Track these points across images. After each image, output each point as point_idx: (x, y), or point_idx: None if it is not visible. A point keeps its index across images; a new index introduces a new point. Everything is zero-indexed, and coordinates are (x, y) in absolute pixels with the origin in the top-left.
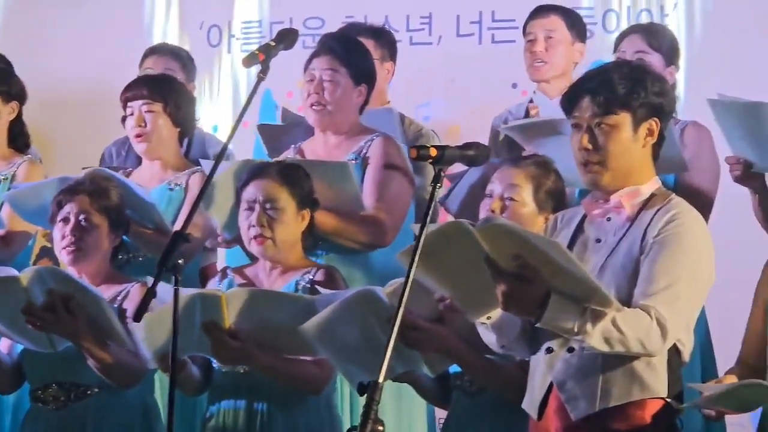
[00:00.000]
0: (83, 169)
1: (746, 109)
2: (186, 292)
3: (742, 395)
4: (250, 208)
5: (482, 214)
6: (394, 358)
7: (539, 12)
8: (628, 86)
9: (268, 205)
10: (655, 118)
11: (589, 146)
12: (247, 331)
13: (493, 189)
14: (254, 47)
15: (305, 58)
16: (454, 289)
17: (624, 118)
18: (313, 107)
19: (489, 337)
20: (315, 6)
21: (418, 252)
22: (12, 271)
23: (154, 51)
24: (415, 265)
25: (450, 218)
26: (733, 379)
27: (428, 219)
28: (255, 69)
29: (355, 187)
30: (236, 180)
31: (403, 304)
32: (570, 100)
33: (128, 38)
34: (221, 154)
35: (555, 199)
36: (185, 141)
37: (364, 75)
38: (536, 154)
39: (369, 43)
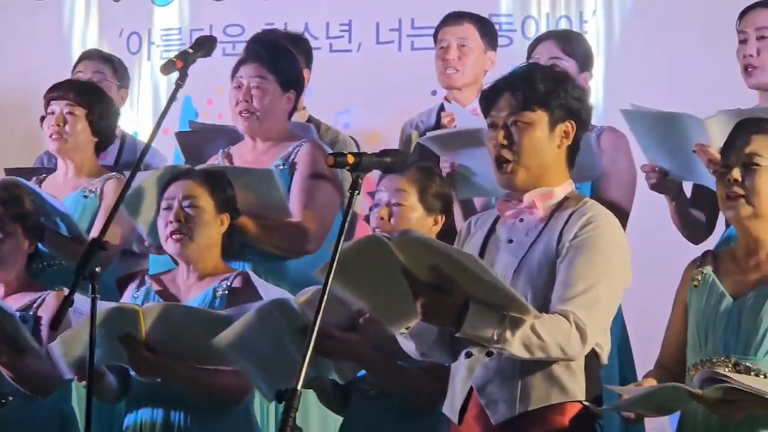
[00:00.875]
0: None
1: (660, 119)
2: (104, 305)
3: (660, 398)
4: (169, 207)
5: (372, 222)
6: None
7: (452, 19)
8: (548, 85)
9: (186, 203)
10: (572, 121)
11: (505, 142)
12: (164, 343)
13: (381, 197)
14: (174, 54)
15: (225, 65)
16: (373, 302)
17: (541, 117)
18: (242, 115)
19: (408, 346)
20: (235, 13)
21: (335, 264)
22: None
23: (86, 56)
24: (330, 279)
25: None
26: (652, 382)
27: (345, 226)
28: (174, 76)
29: (280, 193)
30: (159, 186)
31: (319, 318)
32: (489, 99)
33: (48, 45)
34: (139, 160)
35: (442, 201)
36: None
37: (292, 81)
38: (418, 160)
39: None
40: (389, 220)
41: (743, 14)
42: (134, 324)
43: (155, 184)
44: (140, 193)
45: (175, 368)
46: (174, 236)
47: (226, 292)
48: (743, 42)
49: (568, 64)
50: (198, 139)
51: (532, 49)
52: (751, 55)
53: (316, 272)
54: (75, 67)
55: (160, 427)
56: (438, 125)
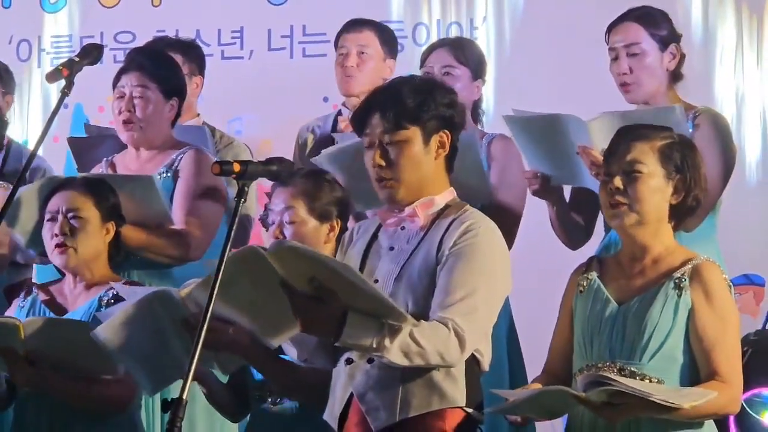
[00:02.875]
0: None
1: (542, 122)
2: None
3: (546, 401)
4: (53, 219)
5: (270, 238)
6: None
7: (352, 26)
8: (417, 99)
9: (70, 215)
10: (446, 130)
11: (382, 162)
12: (44, 355)
13: (273, 217)
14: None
15: (115, 72)
16: (253, 316)
17: (414, 133)
18: (125, 125)
19: (291, 352)
20: (126, 20)
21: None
22: None
23: None
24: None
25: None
26: (538, 387)
27: (232, 234)
28: (52, 83)
29: (161, 200)
30: (40, 196)
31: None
32: (360, 119)
33: None
34: (25, 168)
35: (335, 206)
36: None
37: (174, 89)
38: (304, 168)
39: (177, 57)
40: (284, 237)
41: (610, 29)
42: (14, 337)
43: (36, 195)
44: (18, 203)
45: (55, 380)
46: (59, 249)
47: (112, 300)
48: (615, 59)
49: (461, 72)
50: (90, 144)
51: (425, 57)
52: (624, 73)
53: (193, 289)
54: None
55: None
56: (335, 130)
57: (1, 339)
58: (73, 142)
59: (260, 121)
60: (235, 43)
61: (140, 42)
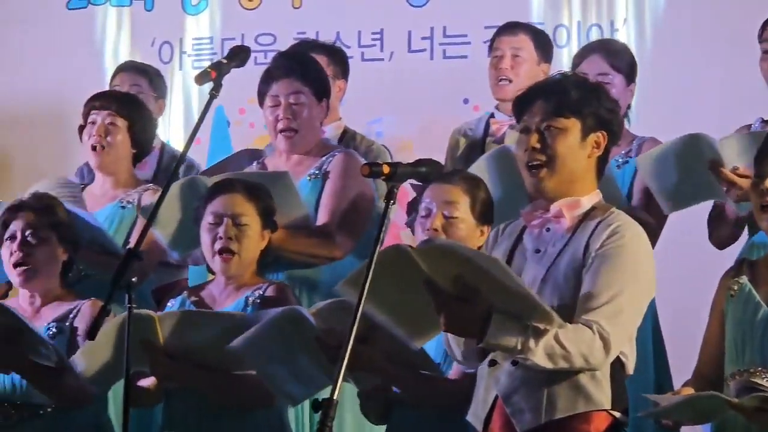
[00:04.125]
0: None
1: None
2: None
3: (698, 406)
4: (217, 222)
5: (419, 233)
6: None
7: (507, 29)
8: (580, 94)
9: (236, 220)
10: (604, 132)
11: (537, 145)
12: (184, 349)
13: (430, 207)
14: (206, 64)
15: (257, 74)
16: (397, 314)
17: (573, 124)
18: (284, 134)
19: (456, 350)
20: (266, 22)
21: (370, 273)
22: None
23: (122, 68)
24: (366, 288)
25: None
26: (689, 391)
27: (382, 236)
28: (207, 85)
29: (297, 194)
30: (183, 196)
31: (354, 331)
32: (522, 104)
33: (80, 55)
34: (175, 170)
35: (489, 211)
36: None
37: (324, 90)
38: (462, 169)
39: (322, 60)
40: (443, 232)
41: (766, 26)
42: (151, 330)
43: (177, 195)
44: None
45: (195, 374)
46: (224, 255)
47: (258, 300)
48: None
49: (617, 79)
50: (224, 170)
51: (577, 62)
52: None
53: (340, 285)
54: (112, 80)
55: (193, 427)
56: (486, 133)
57: (139, 332)
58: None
59: (400, 123)
60: (375, 45)
61: (281, 44)
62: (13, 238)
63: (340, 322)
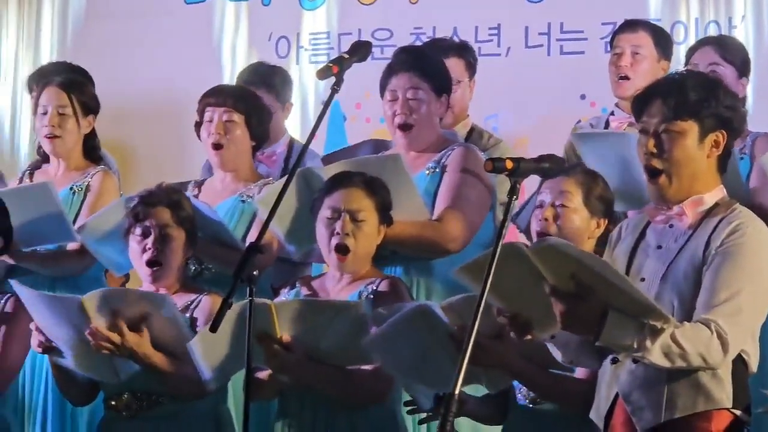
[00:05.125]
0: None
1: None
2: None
3: None
4: (334, 217)
5: (534, 224)
6: (449, 369)
7: (628, 26)
8: (699, 94)
9: (355, 216)
10: (723, 131)
11: (654, 150)
12: (300, 341)
13: (544, 199)
14: (322, 59)
15: (374, 69)
16: (514, 309)
17: (690, 126)
18: (401, 129)
19: (556, 354)
20: (383, 17)
21: (494, 265)
22: (74, 297)
23: (246, 84)
24: (490, 280)
25: (520, 235)
26: None
27: (504, 232)
28: (321, 80)
29: (409, 179)
30: (298, 188)
31: (478, 320)
32: (640, 103)
33: (198, 50)
34: (295, 165)
35: (605, 205)
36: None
37: (444, 86)
38: (582, 163)
39: (454, 60)
40: (554, 222)
41: None
42: (267, 321)
43: (293, 188)
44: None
45: (312, 367)
46: (341, 252)
47: (371, 295)
48: None
49: (727, 71)
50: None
51: (690, 55)
52: None
53: (456, 271)
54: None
55: (308, 422)
56: None
57: (256, 321)
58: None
59: (516, 119)
60: (492, 41)
61: (398, 39)
62: (145, 233)
63: (471, 316)
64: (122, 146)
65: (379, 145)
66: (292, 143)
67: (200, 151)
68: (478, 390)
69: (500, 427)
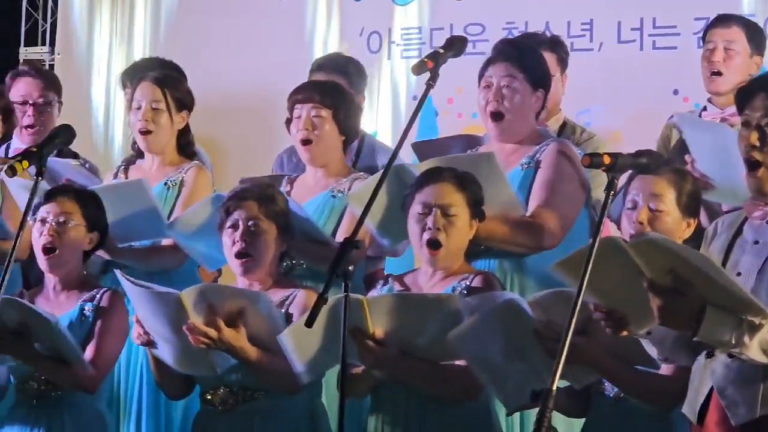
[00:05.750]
0: (241, 181)
1: None
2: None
3: None
4: (426, 213)
5: (625, 224)
6: (543, 370)
7: (721, 21)
8: None
9: (444, 210)
10: None
11: (757, 143)
12: (393, 336)
13: (636, 200)
14: (414, 54)
15: (466, 64)
16: (609, 305)
17: None
18: (493, 117)
19: (651, 351)
20: (475, 12)
21: (591, 262)
22: (173, 292)
23: (321, 67)
24: (587, 277)
25: (613, 227)
26: None
27: (601, 227)
28: (411, 74)
29: (503, 176)
30: (389, 183)
31: (576, 315)
32: (744, 97)
33: (291, 45)
34: (391, 160)
35: (695, 203)
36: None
37: (541, 80)
38: (670, 160)
39: (546, 55)
40: (648, 225)
41: None
42: (360, 315)
43: (385, 182)
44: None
45: (406, 363)
46: (432, 245)
47: (465, 291)
48: None
49: None
50: (434, 149)
51: None
52: None
53: (553, 266)
54: (309, 77)
55: (401, 417)
56: None
57: (349, 316)
58: (418, 146)
59: (609, 114)
60: (584, 36)
61: (490, 34)
62: (235, 226)
63: (558, 312)
64: (214, 142)
65: (471, 140)
66: (363, 137)
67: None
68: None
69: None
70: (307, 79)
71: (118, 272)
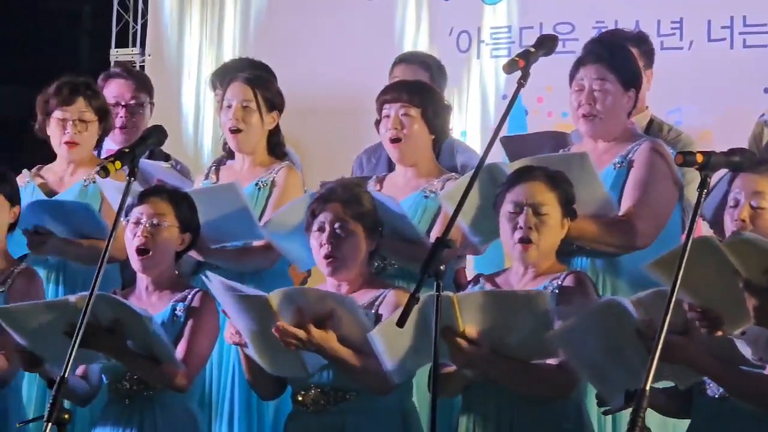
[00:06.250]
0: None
1: None
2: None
3: None
4: (517, 212)
5: (728, 223)
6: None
7: None
8: None
9: (536, 209)
10: None
11: None
12: (484, 334)
13: (738, 198)
14: (503, 53)
15: (555, 63)
16: (705, 304)
17: None
18: (585, 117)
19: (746, 351)
20: (565, 11)
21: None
22: (261, 295)
23: (403, 60)
24: (680, 276)
25: (705, 226)
26: None
27: (694, 225)
28: (502, 74)
29: (596, 176)
30: (481, 182)
31: (669, 315)
32: None
33: (379, 45)
34: (482, 160)
35: None
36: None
37: (632, 80)
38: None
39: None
40: (751, 223)
41: None
42: (449, 313)
43: (477, 181)
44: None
45: (495, 361)
46: (523, 243)
47: (556, 290)
48: None
49: None
50: (523, 144)
51: None
52: None
53: (646, 266)
54: (391, 71)
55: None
56: None
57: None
58: (507, 141)
59: (699, 113)
60: (674, 34)
61: (579, 33)
62: (321, 229)
63: (659, 312)
64: (302, 143)
65: (558, 137)
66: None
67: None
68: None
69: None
70: (389, 74)
71: (207, 275)
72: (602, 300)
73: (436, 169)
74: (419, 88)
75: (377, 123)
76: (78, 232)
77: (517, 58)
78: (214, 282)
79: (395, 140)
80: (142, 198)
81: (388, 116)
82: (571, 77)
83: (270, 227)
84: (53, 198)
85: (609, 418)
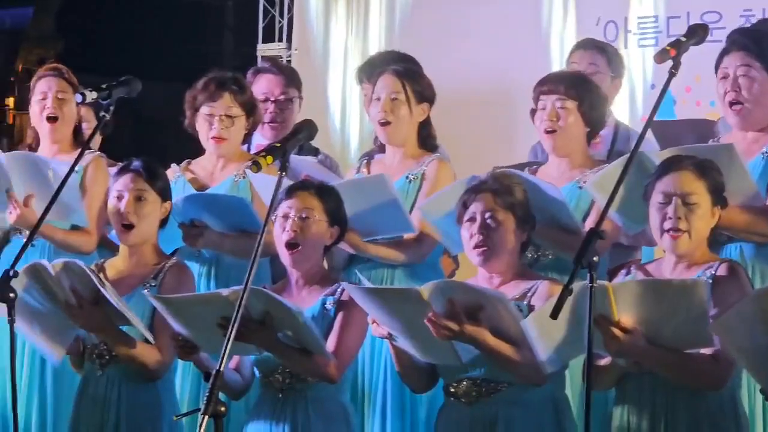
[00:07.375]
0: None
1: None
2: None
3: None
4: (666, 202)
5: None
6: None
7: None
8: None
9: (685, 199)
10: None
11: None
12: (639, 323)
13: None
14: (650, 42)
15: (703, 52)
16: None
17: None
18: (732, 107)
19: None
20: (712, 0)
21: None
22: (412, 288)
23: (580, 46)
24: None
25: None
26: None
27: None
28: (650, 63)
29: (743, 168)
30: (632, 173)
31: None
32: None
33: (526, 36)
34: (634, 150)
35: None
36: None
37: None
38: None
39: None
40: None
41: None
42: (605, 303)
43: (633, 171)
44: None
45: (650, 351)
46: (673, 233)
47: (711, 279)
48: None
49: None
50: (672, 129)
51: None
52: None
53: None
54: (569, 57)
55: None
56: None
57: (595, 305)
58: (656, 126)
59: None
60: None
61: (727, 22)
62: (472, 220)
63: None
64: (450, 135)
65: (706, 125)
66: (617, 126)
67: (529, 138)
68: None
69: None
70: (567, 58)
71: (345, 284)
72: (765, 286)
73: (588, 161)
74: (577, 81)
75: (532, 113)
76: (233, 226)
77: (668, 48)
78: (354, 293)
79: (550, 131)
80: (290, 192)
81: (544, 108)
82: (717, 67)
83: (425, 208)
84: (208, 191)
85: (760, 409)
